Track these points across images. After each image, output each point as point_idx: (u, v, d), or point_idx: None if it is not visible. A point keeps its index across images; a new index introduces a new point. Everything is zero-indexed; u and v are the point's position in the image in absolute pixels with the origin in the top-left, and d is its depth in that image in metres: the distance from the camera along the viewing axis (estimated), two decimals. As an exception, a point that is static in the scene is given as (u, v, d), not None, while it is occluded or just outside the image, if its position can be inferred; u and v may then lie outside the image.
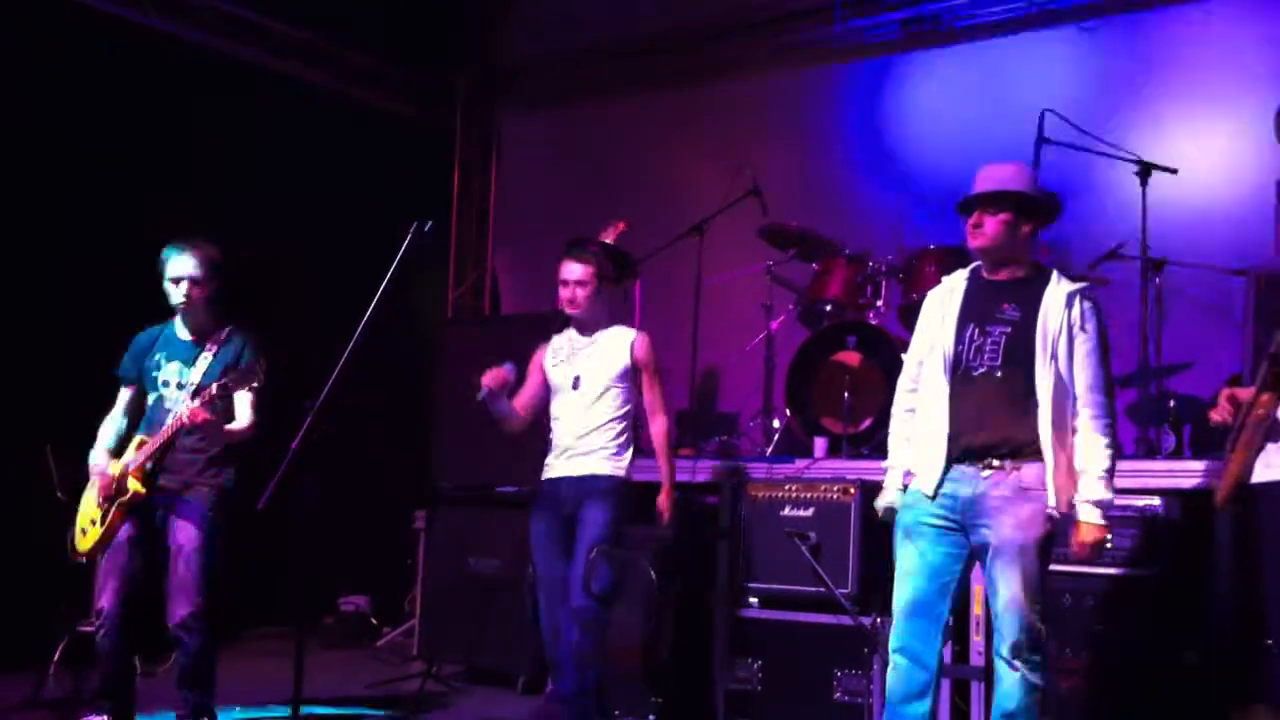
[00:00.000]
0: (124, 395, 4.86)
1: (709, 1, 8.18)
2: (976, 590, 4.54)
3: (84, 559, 4.73)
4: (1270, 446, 3.64)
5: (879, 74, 7.62)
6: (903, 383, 4.13)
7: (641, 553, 5.52)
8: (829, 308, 6.30)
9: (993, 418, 3.80)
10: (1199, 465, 4.69)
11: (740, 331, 6.90)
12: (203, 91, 7.37)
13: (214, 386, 4.45)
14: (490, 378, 4.70)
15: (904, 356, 4.26)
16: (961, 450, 3.82)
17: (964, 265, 4.07)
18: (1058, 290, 3.86)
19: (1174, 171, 5.64)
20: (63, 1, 6.86)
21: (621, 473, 4.82)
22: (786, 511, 5.15)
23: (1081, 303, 3.84)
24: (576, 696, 4.68)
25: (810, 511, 5.10)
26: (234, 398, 4.61)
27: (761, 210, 6.56)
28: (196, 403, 4.43)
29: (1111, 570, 4.59)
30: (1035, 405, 3.75)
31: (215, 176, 7.23)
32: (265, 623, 7.29)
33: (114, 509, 4.63)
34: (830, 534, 5.00)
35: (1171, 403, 5.29)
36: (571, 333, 4.98)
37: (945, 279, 4.12)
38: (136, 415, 4.81)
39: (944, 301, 4.02)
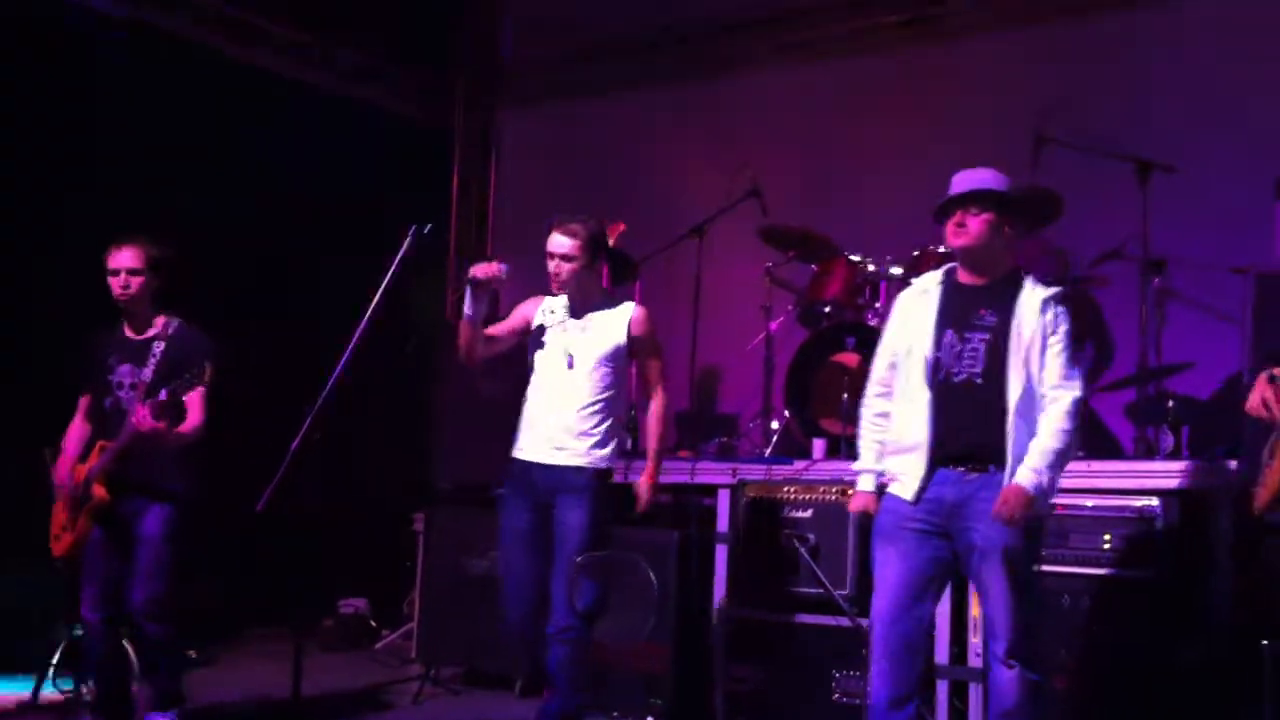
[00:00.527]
0: (83, 403, 4.94)
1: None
2: (974, 592, 4.53)
3: (61, 564, 4.79)
4: None
5: (877, 72, 7.61)
6: (871, 386, 4.12)
7: (640, 555, 5.54)
8: (828, 309, 6.28)
9: (976, 424, 3.81)
10: (1199, 465, 4.68)
11: (739, 332, 6.89)
12: (201, 90, 7.36)
13: (164, 392, 4.49)
14: (481, 268, 4.43)
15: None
16: (945, 456, 3.82)
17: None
18: (1032, 296, 3.87)
19: (1174, 170, 5.63)
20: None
21: (602, 464, 4.50)
22: (785, 513, 5.14)
23: (1055, 308, 3.86)
24: (563, 716, 4.52)
25: (809, 513, 5.09)
26: (183, 399, 4.64)
27: (761, 211, 6.56)
28: (145, 410, 4.49)
29: (1110, 571, 4.58)
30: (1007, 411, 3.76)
31: (214, 176, 7.22)
32: (264, 625, 7.28)
33: (82, 515, 4.67)
34: (829, 535, 4.99)
35: (1170, 403, 5.28)
36: (565, 305, 4.64)
37: (916, 281, 4.13)
38: (98, 420, 4.88)
39: (918, 304, 4.02)
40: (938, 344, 3.89)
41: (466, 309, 4.47)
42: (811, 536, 5.00)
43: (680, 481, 5.77)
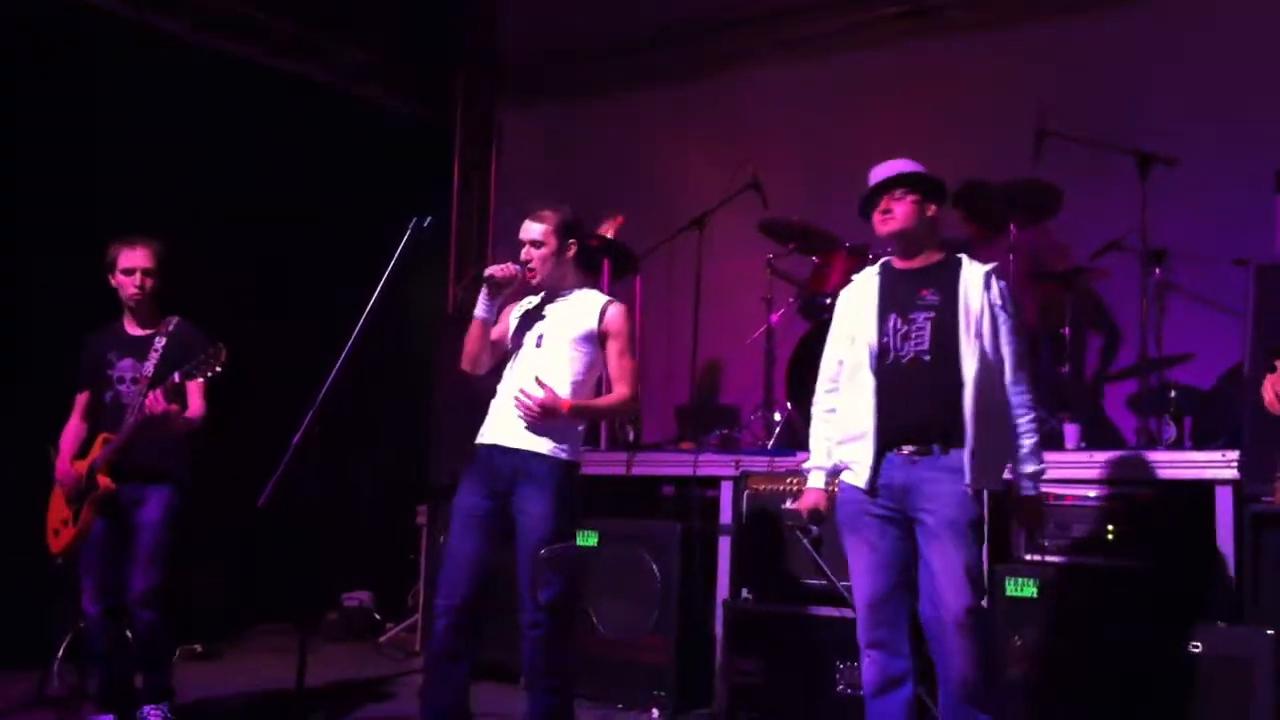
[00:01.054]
0: (81, 400, 4.98)
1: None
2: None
3: (61, 560, 4.81)
4: None
5: (878, 67, 7.61)
6: (821, 384, 4.16)
7: (643, 547, 5.55)
8: (829, 300, 6.28)
9: (922, 403, 3.84)
10: (1200, 456, 4.69)
11: (740, 325, 6.90)
12: (201, 87, 7.37)
13: (176, 375, 4.55)
14: (498, 268, 4.30)
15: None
16: (892, 438, 3.86)
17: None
18: (971, 271, 3.94)
19: (1174, 163, 5.64)
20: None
21: (564, 454, 4.24)
22: (788, 504, 5.15)
23: (997, 282, 3.94)
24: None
25: (812, 504, 5.09)
26: (186, 387, 4.70)
27: (762, 203, 6.57)
28: (159, 393, 4.55)
29: (1112, 562, 4.59)
30: (962, 386, 3.80)
31: (213, 172, 7.23)
32: (269, 619, 7.30)
33: (85, 507, 4.70)
34: (832, 527, 4.96)
35: (1172, 394, 5.29)
36: (541, 296, 4.48)
37: (855, 277, 4.18)
38: (94, 418, 4.92)
39: (858, 297, 4.08)
40: (881, 329, 3.94)
41: (480, 310, 4.36)
42: (814, 528, 5.00)
43: (683, 474, 5.78)
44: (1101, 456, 4.85)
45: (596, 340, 4.35)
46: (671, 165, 8.08)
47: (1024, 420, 3.93)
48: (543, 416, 4.15)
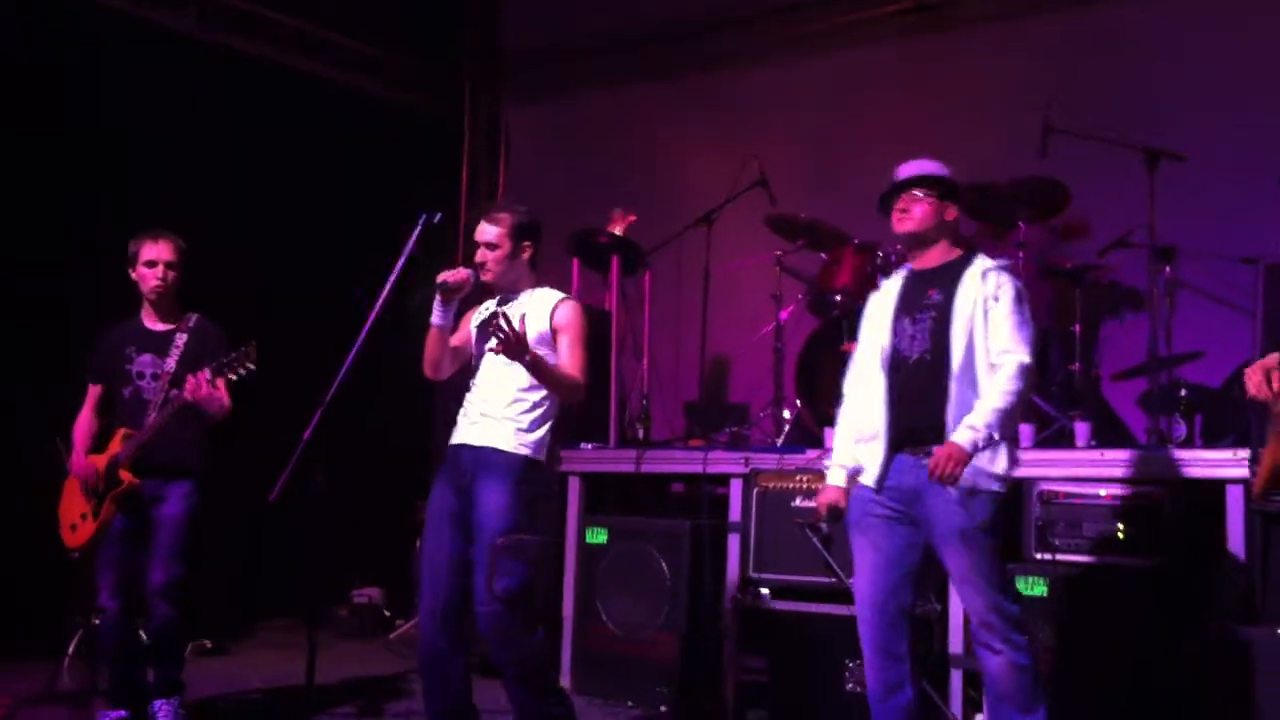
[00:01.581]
0: (94, 394, 4.97)
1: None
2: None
3: (78, 554, 4.80)
4: None
5: (883, 61, 7.60)
6: (848, 383, 4.17)
7: (652, 544, 5.56)
8: (838, 297, 6.28)
9: (925, 403, 3.84)
10: (1211, 455, 4.68)
11: (750, 322, 6.90)
12: (204, 84, 7.37)
13: (208, 371, 4.55)
14: (450, 274, 4.28)
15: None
16: (901, 439, 3.88)
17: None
18: (975, 268, 3.93)
19: (1182, 159, 5.62)
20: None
21: (527, 450, 4.23)
22: (798, 502, 5.15)
23: (997, 275, 3.90)
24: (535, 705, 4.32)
25: (821, 502, 5.09)
26: (216, 384, 4.68)
27: (770, 200, 6.56)
28: (202, 376, 4.55)
29: (1123, 560, 4.59)
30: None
31: (218, 170, 7.24)
32: (278, 615, 7.32)
33: (107, 502, 4.69)
34: (841, 524, 4.97)
35: (1182, 391, 5.27)
36: (496, 301, 4.47)
37: (884, 282, 4.19)
38: (109, 410, 4.91)
39: (882, 301, 4.11)
40: (895, 331, 3.98)
41: (435, 317, 4.35)
42: (824, 525, 5.00)
43: (692, 471, 5.78)
44: (1112, 455, 4.84)
45: (550, 340, 4.34)
46: (679, 161, 8.09)
47: (997, 387, 3.72)
48: (513, 344, 4.05)
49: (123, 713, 4.81)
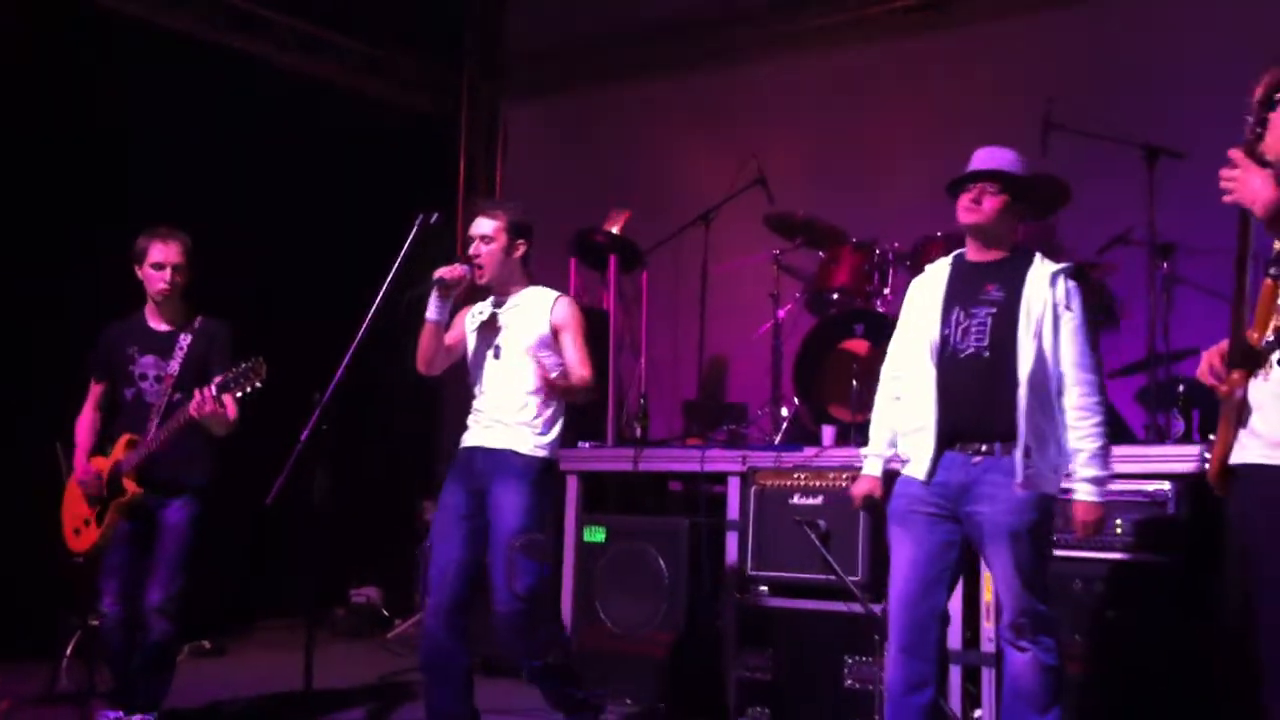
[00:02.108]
0: (96, 391, 4.90)
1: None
2: (987, 577, 4.53)
3: (82, 559, 4.75)
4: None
5: (883, 59, 7.60)
6: (887, 369, 4.13)
7: (651, 542, 5.55)
8: (836, 295, 6.29)
9: (981, 400, 3.79)
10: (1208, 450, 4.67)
11: (747, 320, 6.90)
12: (204, 84, 7.37)
13: (213, 387, 4.49)
14: (446, 270, 4.32)
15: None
16: (951, 435, 3.82)
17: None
18: (1041, 269, 3.86)
19: (1182, 156, 5.62)
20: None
21: (543, 452, 4.35)
22: (796, 500, 5.14)
23: (1065, 282, 3.85)
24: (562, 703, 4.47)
25: (819, 500, 5.09)
26: (223, 399, 4.60)
27: (768, 198, 6.56)
28: (207, 392, 4.48)
29: (1122, 556, 4.58)
30: (1017, 385, 3.75)
31: (218, 170, 7.23)
32: (276, 615, 7.31)
33: (111, 511, 4.65)
34: (840, 522, 4.99)
35: (1181, 387, 5.27)
36: (491, 302, 4.54)
37: (929, 266, 4.12)
38: (111, 410, 4.86)
39: (928, 287, 4.02)
40: (945, 322, 3.90)
41: (431, 313, 4.37)
42: (822, 523, 5.00)
43: (690, 469, 5.78)
44: (1113, 451, 4.82)
45: (551, 341, 4.40)
46: (678, 159, 8.08)
47: (1087, 424, 3.78)
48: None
49: (122, 714, 4.80)
